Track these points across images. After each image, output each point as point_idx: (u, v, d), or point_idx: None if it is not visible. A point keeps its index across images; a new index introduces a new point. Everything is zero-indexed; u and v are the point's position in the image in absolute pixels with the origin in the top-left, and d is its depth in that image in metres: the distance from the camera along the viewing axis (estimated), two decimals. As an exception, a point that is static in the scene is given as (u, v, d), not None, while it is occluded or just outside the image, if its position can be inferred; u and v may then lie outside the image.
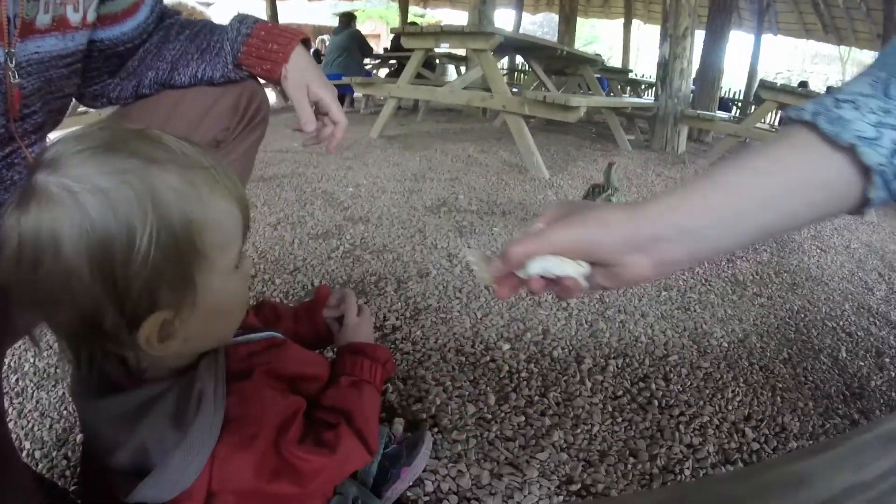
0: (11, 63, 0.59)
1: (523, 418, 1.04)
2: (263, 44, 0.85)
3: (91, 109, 0.88)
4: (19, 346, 1.22)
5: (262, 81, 0.93)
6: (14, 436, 0.97)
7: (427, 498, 0.86)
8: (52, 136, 0.70)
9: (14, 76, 0.59)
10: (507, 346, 1.28)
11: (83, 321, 0.41)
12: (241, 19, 0.87)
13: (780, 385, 1.24)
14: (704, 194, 0.43)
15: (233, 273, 0.49)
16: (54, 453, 0.93)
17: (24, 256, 0.38)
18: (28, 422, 1.01)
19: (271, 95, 7.33)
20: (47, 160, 0.40)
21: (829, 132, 0.39)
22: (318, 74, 0.90)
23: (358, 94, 5.96)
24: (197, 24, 0.89)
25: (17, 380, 1.12)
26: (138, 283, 0.40)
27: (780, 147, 0.43)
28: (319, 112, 0.92)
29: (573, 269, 0.44)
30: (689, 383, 1.20)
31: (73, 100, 0.80)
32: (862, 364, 1.39)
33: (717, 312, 1.57)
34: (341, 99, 6.35)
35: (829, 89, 0.41)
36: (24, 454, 0.94)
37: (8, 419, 1.01)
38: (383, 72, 8.50)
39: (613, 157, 3.92)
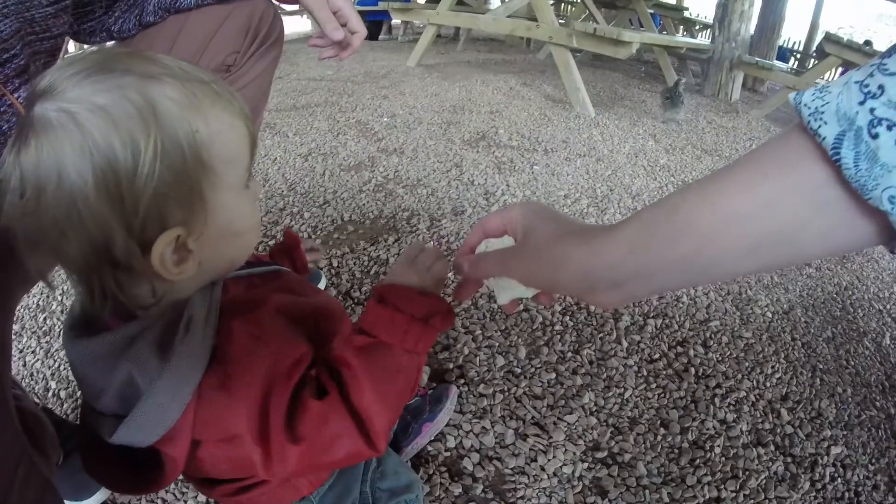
0: None
1: (554, 375, 1.01)
2: None
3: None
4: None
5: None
6: (41, 375, 0.98)
7: (448, 454, 0.84)
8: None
9: None
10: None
11: (92, 249, 0.39)
12: None
13: (821, 366, 1.17)
14: (673, 238, 0.34)
15: (243, 191, 0.47)
16: (79, 393, 0.93)
17: (27, 190, 0.37)
18: (55, 361, 1.01)
19: (306, 23, 7.09)
20: (41, 89, 0.38)
21: (854, 180, 0.28)
22: None
23: (396, 20, 5.70)
24: None
25: (44, 318, 1.12)
26: (146, 199, 0.38)
27: (782, 178, 0.31)
28: (339, 23, 0.88)
29: (520, 292, 0.48)
30: (728, 353, 1.15)
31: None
32: (906, 354, 1.31)
33: (762, 278, 1.49)
34: (378, 25, 6.15)
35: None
36: (49, 394, 0.95)
37: (35, 358, 1.02)
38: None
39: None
